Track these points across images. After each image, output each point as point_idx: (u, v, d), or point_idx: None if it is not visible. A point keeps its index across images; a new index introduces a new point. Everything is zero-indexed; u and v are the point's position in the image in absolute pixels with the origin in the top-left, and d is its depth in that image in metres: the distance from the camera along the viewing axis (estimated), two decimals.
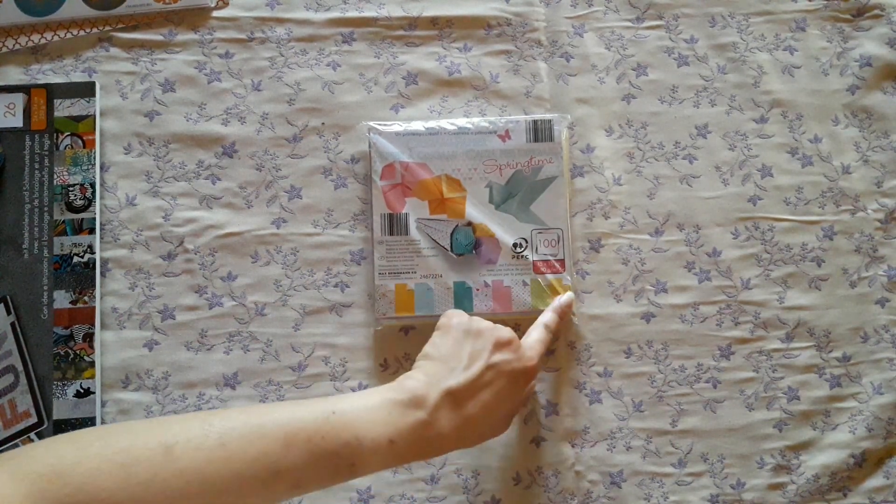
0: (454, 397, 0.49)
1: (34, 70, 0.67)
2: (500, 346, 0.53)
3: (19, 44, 0.67)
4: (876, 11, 0.70)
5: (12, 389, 0.62)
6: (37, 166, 0.65)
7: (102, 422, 0.63)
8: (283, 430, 0.43)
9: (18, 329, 0.63)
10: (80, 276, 0.64)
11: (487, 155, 0.65)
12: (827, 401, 0.65)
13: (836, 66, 0.69)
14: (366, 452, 0.45)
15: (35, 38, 0.67)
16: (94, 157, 0.65)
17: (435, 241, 0.64)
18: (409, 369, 0.64)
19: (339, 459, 0.44)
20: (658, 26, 0.70)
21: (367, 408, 0.46)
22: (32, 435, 0.62)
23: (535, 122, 0.66)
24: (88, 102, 0.66)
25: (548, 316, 0.60)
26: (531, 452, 0.64)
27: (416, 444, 0.47)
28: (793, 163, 0.68)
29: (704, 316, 0.66)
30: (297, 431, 0.43)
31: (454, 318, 0.55)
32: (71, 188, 0.65)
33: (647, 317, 0.66)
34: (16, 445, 0.62)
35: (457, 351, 0.52)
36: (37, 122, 0.66)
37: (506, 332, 0.54)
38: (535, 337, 0.57)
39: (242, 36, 0.69)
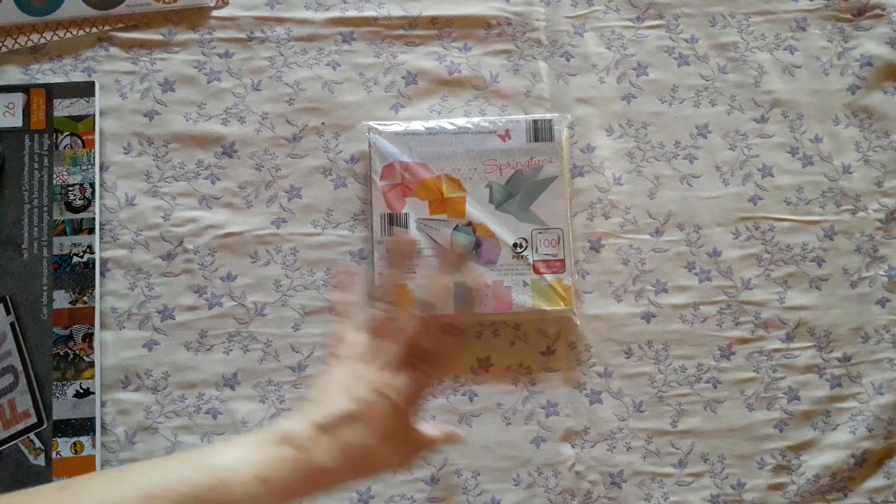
0: (327, 429, 0.47)
1: (34, 70, 0.67)
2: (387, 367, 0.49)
3: (19, 43, 0.67)
4: (876, 11, 0.70)
5: (12, 390, 0.62)
6: (36, 166, 0.65)
7: (102, 422, 0.63)
8: (144, 485, 0.42)
9: (18, 329, 0.63)
10: (79, 276, 0.64)
11: (487, 155, 0.65)
12: (827, 401, 0.65)
13: (837, 66, 0.69)
14: (236, 494, 0.43)
15: (34, 37, 0.67)
16: (94, 157, 0.65)
17: (435, 241, 0.64)
18: None
19: None
20: (658, 26, 0.70)
21: (233, 451, 0.45)
22: (32, 435, 0.62)
23: (535, 121, 0.65)
24: (88, 102, 0.66)
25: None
26: (531, 452, 0.64)
27: (295, 479, 0.45)
28: (793, 163, 0.68)
29: (705, 316, 0.66)
30: (157, 483, 0.42)
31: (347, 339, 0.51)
32: (70, 188, 0.65)
33: (648, 317, 0.65)
34: (15, 446, 0.61)
35: (335, 384, 0.49)
36: (36, 122, 0.65)
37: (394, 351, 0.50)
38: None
39: (242, 35, 0.68)
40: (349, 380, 0.49)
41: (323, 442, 0.46)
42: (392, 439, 0.49)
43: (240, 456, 0.45)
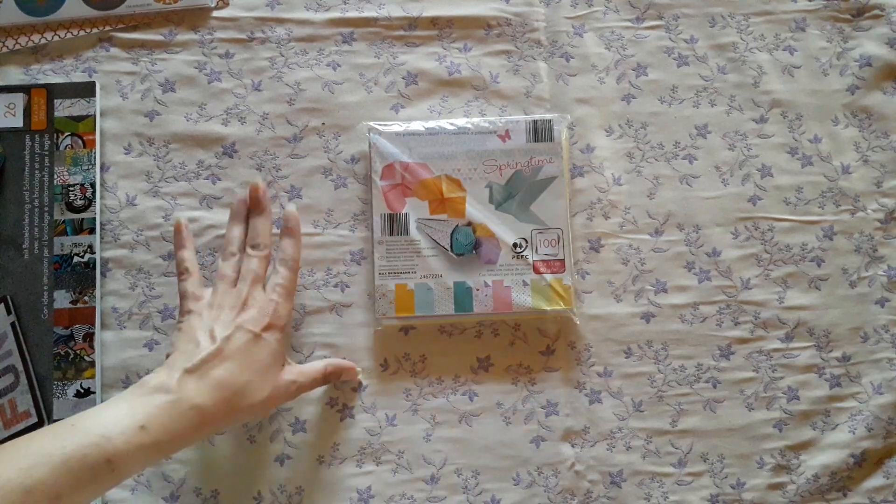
0: (194, 371, 0.50)
1: (34, 70, 0.67)
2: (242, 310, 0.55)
3: (19, 44, 0.67)
4: (876, 11, 0.70)
5: (12, 389, 0.62)
6: (37, 166, 0.65)
7: None
8: (24, 459, 0.42)
9: (18, 329, 0.63)
10: (80, 276, 0.64)
11: (487, 155, 0.65)
12: (827, 401, 0.65)
13: (836, 66, 0.69)
14: (119, 445, 0.44)
15: (35, 38, 0.67)
16: (95, 157, 0.65)
17: (435, 241, 0.64)
18: (409, 369, 0.65)
19: (92, 461, 0.43)
20: (658, 26, 0.70)
21: (108, 410, 0.46)
22: None
23: (535, 122, 0.66)
24: (88, 102, 0.66)
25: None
26: (531, 452, 0.64)
27: (173, 423, 0.47)
28: (792, 163, 0.68)
29: (704, 316, 0.66)
30: (36, 454, 0.42)
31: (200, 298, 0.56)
32: (71, 188, 0.65)
33: (647, 317, 0.66)
34: None
35: (193, 333, 0.53)
36: (37, 122, 0.66)
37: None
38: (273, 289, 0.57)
39: (242, 36, 0.69)
40: (205, 325, 0.53)
41: (193, 382, 0.49)
42: (261, 370, 0.52)
43: (115, 412, 0.46)
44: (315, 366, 0.59)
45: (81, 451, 0.43)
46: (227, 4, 0.69)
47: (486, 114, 0.68)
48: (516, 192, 0.65)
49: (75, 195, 0.65)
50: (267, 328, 0.54)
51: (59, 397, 0.62)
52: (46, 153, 0.65)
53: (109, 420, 0.45)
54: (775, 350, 0.65)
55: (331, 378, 0.60)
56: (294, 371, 0.56)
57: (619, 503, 0.63)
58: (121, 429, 0.45)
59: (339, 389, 0.64)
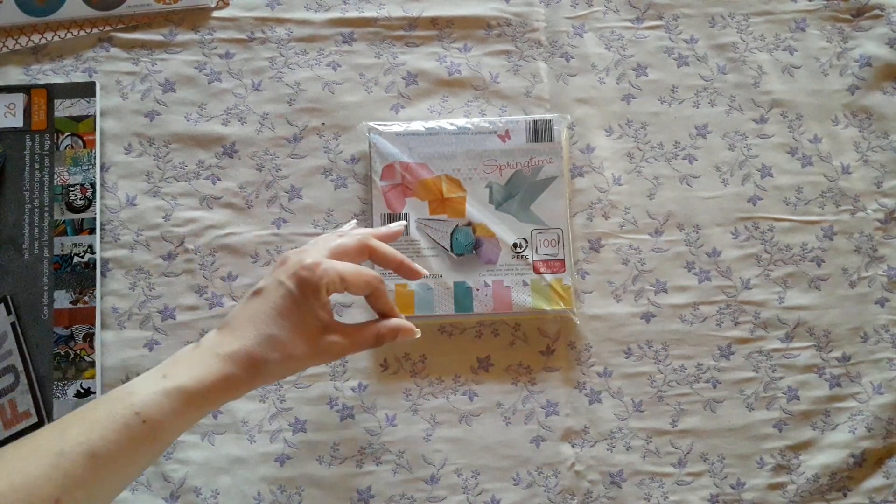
0: (223, 327, 0.48)
1: (34, 70, 0.67)
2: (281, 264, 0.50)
3: (19, 44, 0.67)
4: (876, 11, 0.70)
5: (12, 389, 0.62)
6: (37, 166, 0.65)
7: None
8: (61, 421, 0.43)
9: (19, 329, 0.63)
10: (80, 276, 0.64)
11: (487, 155, 0.65)
12: (827, 401, 0.65)
13: (836, 67, 0.69)
14: (143, 396, 0.43)
15: (35, 38, 0.67)
16: (95, 157, 0.65)
17: (435, 241, 0.64)
18: (409, 369, 0.65)
19: (121, 416, 0.42)
20: (658, 26, 0.70)
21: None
22: None
23: (535, 122, 0.66)
24: (88, 102, 0.66)
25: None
26: (531, 452, 0.64)
27: (193, 369, 0.45)
28: (792, 163, 0.68)
29: (704, 316, 0.66)
30: (70, 416, 0.44)
31: None
32: (71, 188, 0.65)
33: (647, 317, 0.66)
34: None
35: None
36: (37, 123, 0.66)
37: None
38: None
39: (243, 36, 0.69)
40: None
41: (215, 333, 0.47)
42: (291, 323, 0.48)
43: (144, 374, 0.46)
44: (366, 328, 0.52)
45: (108, 407, 0.43)
46: (227, 4, 0.69)
47: (486, 114, 0.68)
48: (516, 192, 0.65)
49: (75, 195, 0.65)
50: (295, 277, 0.48)
51: (59, 397, 0.62)
52: (46, 153, 0.65)
53: (136, 379, 0.45)
54: (775, 350, 0.65)
55: (385, 339, 0.52)
56: (339, 329, 0.50)
57: (619, 503, 0.63)
58: (144, 381, 0.45)
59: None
